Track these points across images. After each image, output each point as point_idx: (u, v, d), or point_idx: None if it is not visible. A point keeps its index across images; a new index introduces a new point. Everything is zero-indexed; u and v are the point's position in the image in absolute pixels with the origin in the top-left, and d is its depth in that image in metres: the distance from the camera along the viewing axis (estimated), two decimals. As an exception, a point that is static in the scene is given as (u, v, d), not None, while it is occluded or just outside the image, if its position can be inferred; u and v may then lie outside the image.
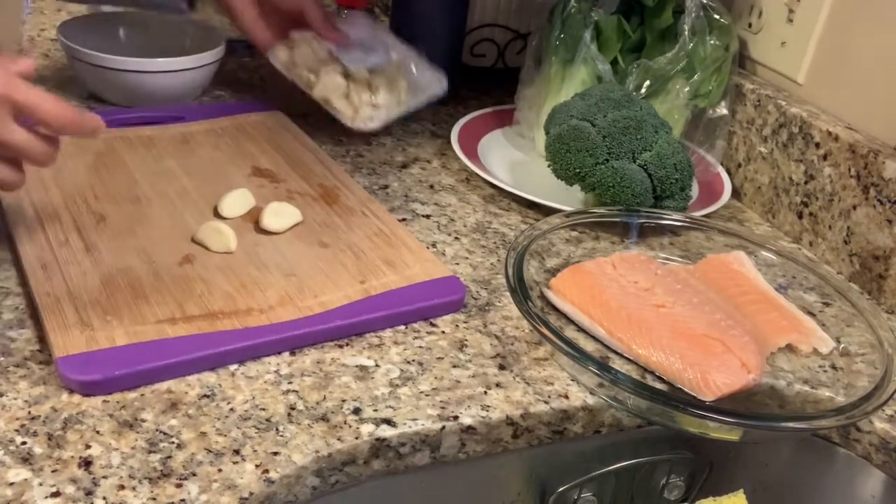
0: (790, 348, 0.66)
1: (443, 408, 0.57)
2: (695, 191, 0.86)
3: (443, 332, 0.64)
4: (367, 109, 0.87)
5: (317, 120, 0.90)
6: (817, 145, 0.81)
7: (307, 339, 0.60)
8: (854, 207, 0.77)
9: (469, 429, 0.56)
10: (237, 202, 0.72)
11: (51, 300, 0.59)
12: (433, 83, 0.91)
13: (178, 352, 0.56)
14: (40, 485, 0.47)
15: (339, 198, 0.77)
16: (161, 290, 0.62)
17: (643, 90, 0.86)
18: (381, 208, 0.76)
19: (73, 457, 0.49)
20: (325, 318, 0.61)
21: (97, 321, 0.58)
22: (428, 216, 0.79)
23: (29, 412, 0.52)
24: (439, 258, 0.72)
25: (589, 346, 0.64)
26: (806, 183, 0.82)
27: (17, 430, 0.51)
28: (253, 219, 0.71)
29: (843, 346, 0.67)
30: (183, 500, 0.48)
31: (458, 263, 0.73)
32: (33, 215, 0.68)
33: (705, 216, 0.79)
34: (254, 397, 0.55)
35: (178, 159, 0.79)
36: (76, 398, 0.53)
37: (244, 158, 0.81)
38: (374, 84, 0.89)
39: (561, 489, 0.62)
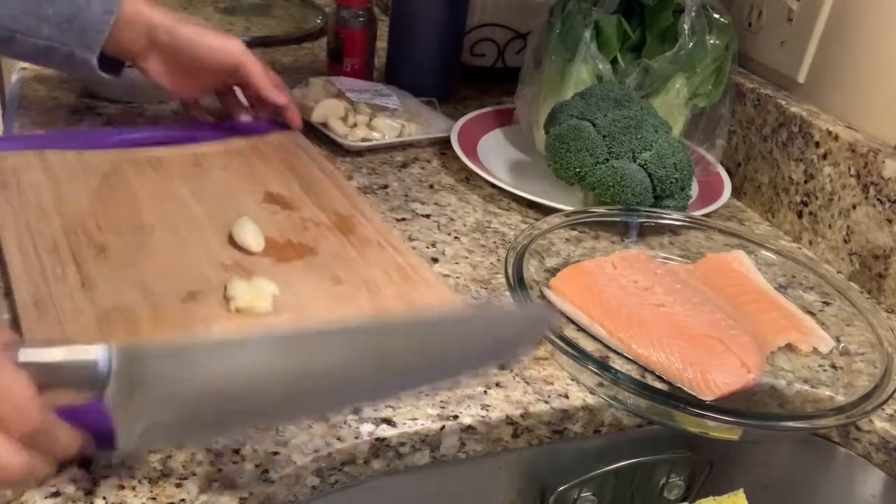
0: (790, 347, 0.66)
1: (442, 407, 0.57)
2: (694, 190, 0.85)
3: (443, 331, 0.64)
4: (362, 131, 0.89)
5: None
6: (817, 144, 0.81)
7: None
8: (854, 206, 0.77)
9: (469, 428, 0.56)
10: (254, 235, 0.67)
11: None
12: (443, 128, 0.93)
13: None
14: (40, 485, 0.47)
15: (356, 227, 0.72)
16: (159, 330, 0.57)
17: (643, 89, 0.86)
18: (399, 239, 0.72)
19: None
20: None
21: None
22: (428, 216, 0.79)
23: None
24: (440, 257, 0.72)
25: (589, 345, 0.64)
26: (806, 182, 0.82)
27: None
28: (265, 251, 0.67)
29: (842, 345, 0.67)
30: (183, 500, 0.48)
31: (457, 263, 0.73)
32: (30, 246, 0.63)
33: (705, 216, 0.79)
34: (254, 397, 0.55)
35: (187, 183, 0.75)
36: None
37: (257, 182, 0.77)
38: (375, 115, 0.91)
39: (561, 489, 0.62)
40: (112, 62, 0.78)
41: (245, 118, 0.87)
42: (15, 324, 0.57)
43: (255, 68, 0.81)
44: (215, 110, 0.88)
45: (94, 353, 0.43)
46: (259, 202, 0.74)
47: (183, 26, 0.77)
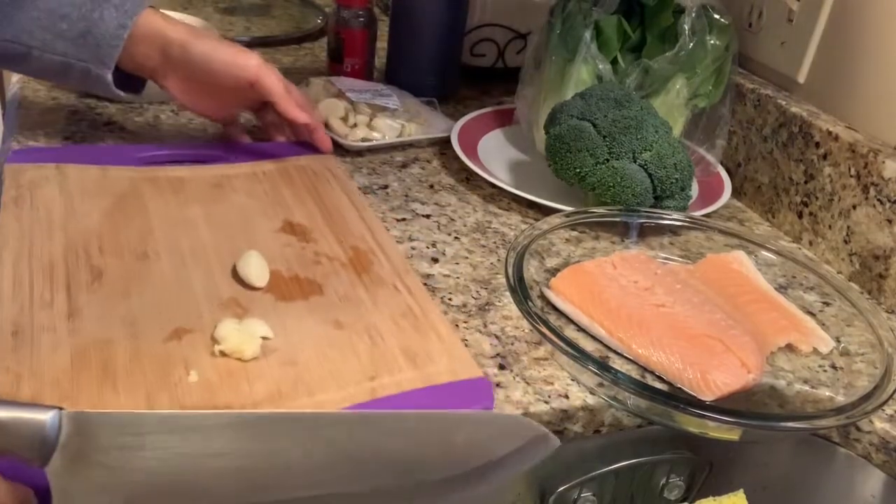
0: (790, 348, 0.66)
1: (443, 407, 0.57)
2: (695, 190, 0.86)
3: (443, 331, 0.64)
4: (363, 131, 0.89)
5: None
6: (817, 145, 0.81)
7: None
8: (854, 207, 0.77)
9: (469, 428, 0.56)
10: (257, 271, 0.64)
11: (10, 376, 0.51)
12: (443, 128, 0.93)
13: None
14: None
15: (372, 265, 0.67)
16: (134, 372, 0.53)
17: (643, 90, 0.86)
18: (416, 282, 0.66)
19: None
20: None
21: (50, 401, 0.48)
22: (428, 216, 0.79)
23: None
24: (440, 257, 0.72)
25: (589, 345, 0.64)
26: (806, 182, 0.82)
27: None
28: (268, 287, 0.64)
29: (842, 345, 0.67)
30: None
31: (457, 263, 0.73)
32: (26, 267, 0.61)
33: (705, 216, 0.79)
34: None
35: (205, 207, 0.72)
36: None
37: (278, 210, 0.74)
38: (375, 115, 0.91)
39: (561, 489, 0.62)
40: (133, 80, 0.77)
41: (281, 139, 0.85)
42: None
43: (273, 85, 0.77)
44: (254, 129, 0.87)
45: (44, 415, 0.41)
46: (275, 231, 0.70)
47: (197, 41, 0.75)
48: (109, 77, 0.73)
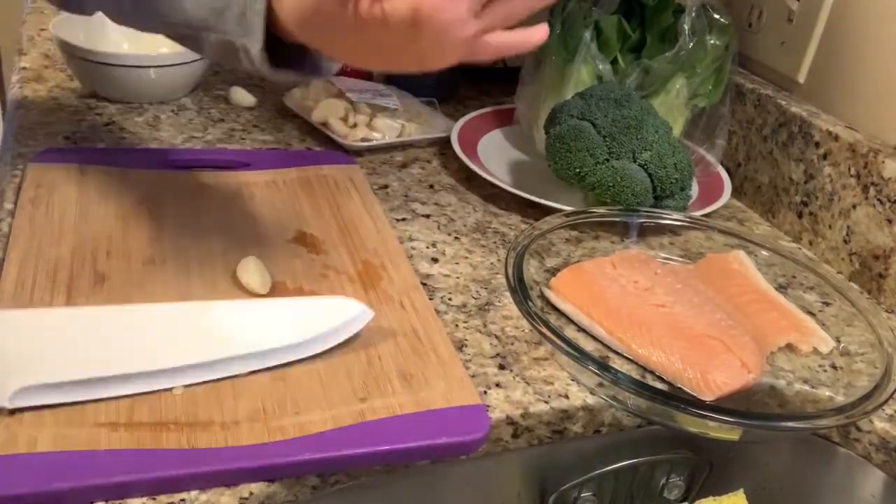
0: (790, 348, 0.66)
1: (443, 407, 0.57)
2: (695, 190, 0.86)
3: (443, 331, 0.64)
4: (363, 131, 0.89)
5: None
6: (817, 144, 0.81)
7: (266, 472, 0.49)
8: (854, 207, 0.77)
9: (469, 428, 0.56)
10: (257, 277, 0.63)
11: None
12: (443, 128, 0.93)
13: (100, 471, 0.46)
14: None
15: (381, 281, 0.66)
16: None
17: (643, 90, 0.86)
18: (423, 299, 0.65)
19: None
20: (295, 447, 0.50)
21: (29, 414, 0.48)
22: (428, 216, 0.79)
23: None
24: (440, 257, 0.72)
25: (589, 345, 0.64)
26: (806, 182, 0.82)
27: None
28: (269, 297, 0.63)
29: (842, 345, 0.67)
30: (183, 500, 0.48)
31: (457, 263, 0.73)
32: (31, 269, 0.61)
33: (705, 216, 0.79)
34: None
35: (220, 215, 0.71)
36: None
37: (293, 220, 0.72)
38: (375, 115, 0.91)
39: (561, 489, 0.62)
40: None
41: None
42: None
43: None
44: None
45: None
46: (286, 241, 0.69)
47: None
48: (257, 49, 0.55)
